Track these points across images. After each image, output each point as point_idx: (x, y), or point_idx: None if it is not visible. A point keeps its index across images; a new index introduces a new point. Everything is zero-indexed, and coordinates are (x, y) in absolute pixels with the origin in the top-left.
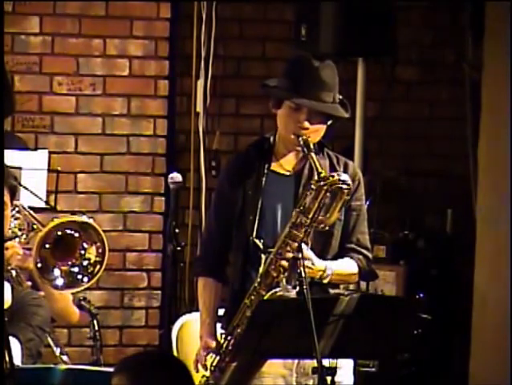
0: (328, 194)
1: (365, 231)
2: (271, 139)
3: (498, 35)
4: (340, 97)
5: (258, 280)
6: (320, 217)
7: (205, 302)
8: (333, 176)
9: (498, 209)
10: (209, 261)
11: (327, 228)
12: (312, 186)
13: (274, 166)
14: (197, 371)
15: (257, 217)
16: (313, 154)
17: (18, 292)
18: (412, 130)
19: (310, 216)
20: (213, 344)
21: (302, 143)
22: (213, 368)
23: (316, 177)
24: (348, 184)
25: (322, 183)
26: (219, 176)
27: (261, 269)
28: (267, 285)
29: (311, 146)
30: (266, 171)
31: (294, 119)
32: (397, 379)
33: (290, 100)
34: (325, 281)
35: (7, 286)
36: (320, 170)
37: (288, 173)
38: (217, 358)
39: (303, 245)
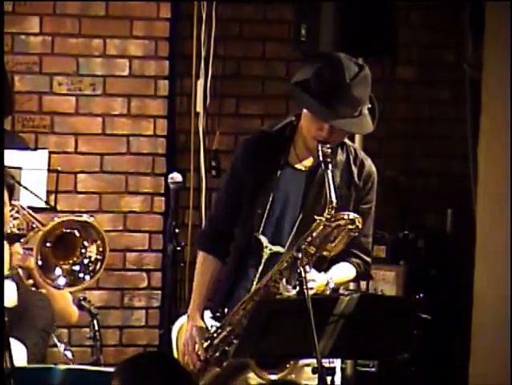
0: (335, 230)
1: (369, 234)
2: (294, 123)
3: (498, 35)
4: (369, 106)
5: (255, 291)
6: (327, 245)
7: (199, 281)
8: (343, 218)
9: (498, 210)
10: (212, 237)
11: (331, 255)
12: (321, 222)
13: (291, 158)
14: (183, 360)
15: (266, 213)
16: (329, 172)
17: (23, 292)
18: (412, 130)
19: (315, 247)
20: (197, 332)
21: (320, 154)
22: (199, 359)
23: (327, 212)
24: (357, 225)
25: (331, 220)
26: (235, 153)
27: (255, 284)
28: (263, 296)
29: (329, 161)
30: (282, 163)
31: (317, 126)
32: (397, 379)
33: (317, 115)
34: (327, 292)
35: (12, 285)
36: (333, 199)
37: (303, 168)
38: (203, 350)
39: (307, 268)
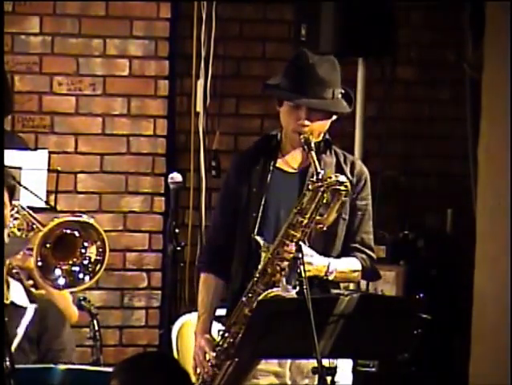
0: (326, 195)
1: (369, 231)
2: (278, 135)
3: (498, 35)
4: (342, 91)
5: (256, 278)
6: (318, 217)
7: (203, 298)
8: (331, 178)
9: (498, 210)
10: (211, 256)
11: (325, 228)
12: (309, 187)
13: (280, 163)
14: (196, 371)
15: (259, 215)
16: (313, 153)
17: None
18: (412, 130)
19: (307, 216)
20: (206, 342)
21: (303, 141)
22: (210, 365)
23: (314, 178)
24: (346, 186)
25: (319, 184)
26: (228, 171)
27: (259, 268)
28: (264, 284)
29: (312, 144)
30: (271, 168)
31: (294, 117)
32: (397, 379)
33: (288, 100)
34: (330, 277)
35: (20, 287)
36: (319, 170)
37: (293, 171)
38: (214, 355)
39: (301, 243)
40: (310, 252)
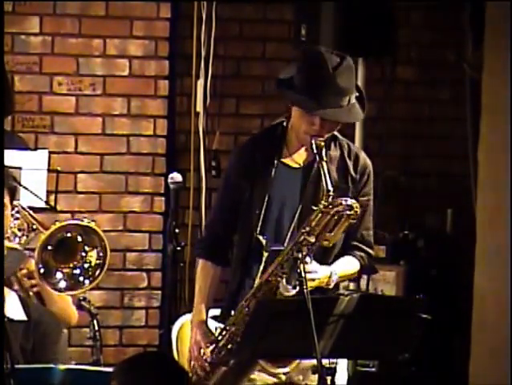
0: (335, 218)
1: (370, 226)
2: (284, 124)
3: (498, 35)
4: (357, 94)
5: (258, 286)
6: (326, 234)
7: (200, 286)
8: (341, 203)
9: (498, 209)
10: (209, 243)
11: (330, 245)
12: (319, 209)
13: (285, 157)
14: (190, 365)
15: (262, 212)
16: (324, 164)
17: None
18: (412, 130)
19: (314, 235)
20: (202, 336)
21: (314, 147)
22: (205, 360)
23: (324, 200)
24: (356, 211)
25: (329, 207)
26: (229, 163)
27: (257, 280)
28: (265, 291)
29: (323, 153)
30: (276, 163)
31: (307, 121)
32: (397, 379)
33: (304, 109)
34: (332, 285)
35: (15, 298)
36: (329, 187)
37: (298, 166)
38: (210, 350)
39: (307, 259)
40: (314, 268)
